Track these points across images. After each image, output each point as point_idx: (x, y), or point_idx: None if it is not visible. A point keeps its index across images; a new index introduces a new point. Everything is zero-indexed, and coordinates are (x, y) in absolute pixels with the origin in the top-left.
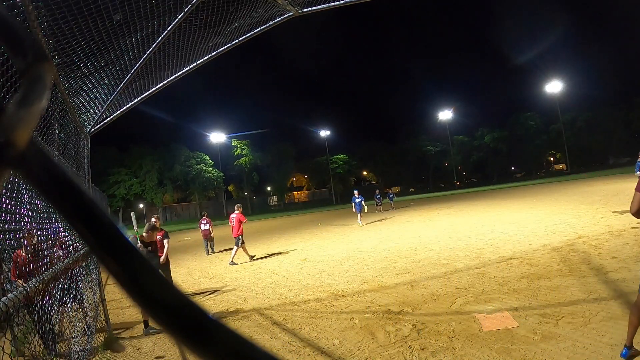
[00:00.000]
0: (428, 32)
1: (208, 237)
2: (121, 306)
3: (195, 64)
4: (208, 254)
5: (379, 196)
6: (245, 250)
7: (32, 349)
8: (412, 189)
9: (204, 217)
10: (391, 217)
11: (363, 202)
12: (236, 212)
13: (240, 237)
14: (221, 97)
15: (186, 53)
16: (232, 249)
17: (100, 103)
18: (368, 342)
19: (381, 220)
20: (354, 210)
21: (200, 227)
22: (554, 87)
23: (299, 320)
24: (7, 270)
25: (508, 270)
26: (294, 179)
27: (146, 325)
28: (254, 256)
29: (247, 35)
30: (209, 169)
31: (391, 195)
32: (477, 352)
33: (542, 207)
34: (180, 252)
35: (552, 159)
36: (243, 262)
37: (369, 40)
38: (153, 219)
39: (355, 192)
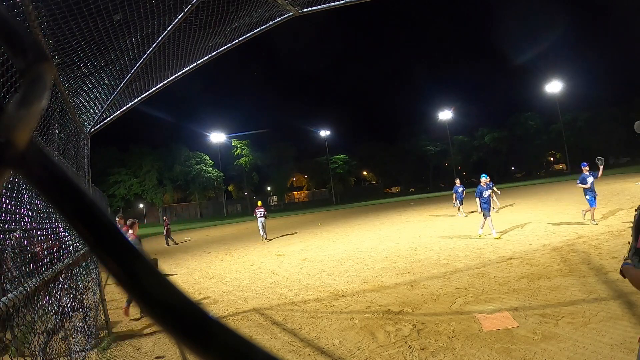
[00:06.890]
0: (428, 32)
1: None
2: (121, 306)
3: (195, 64)
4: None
5: (461, 188)
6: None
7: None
8: (412, 189)
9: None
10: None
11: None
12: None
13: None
14: (221, 97)
15: (186, 53)
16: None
17: (100, 103)
18: (368, 342)
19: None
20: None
21: (256, 214)
22: (554, 87)
23: (299, 320)
24: (6, 270)
25: (508, 270)
26: (294, 179)
27: None
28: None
29: (247, 35)
30: (209, 169)
31: (460, 191)
32: (477, 352)
33: (542, 207)
34: (180, 252)
35: (552, 158)
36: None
37: (369, 40)
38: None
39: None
